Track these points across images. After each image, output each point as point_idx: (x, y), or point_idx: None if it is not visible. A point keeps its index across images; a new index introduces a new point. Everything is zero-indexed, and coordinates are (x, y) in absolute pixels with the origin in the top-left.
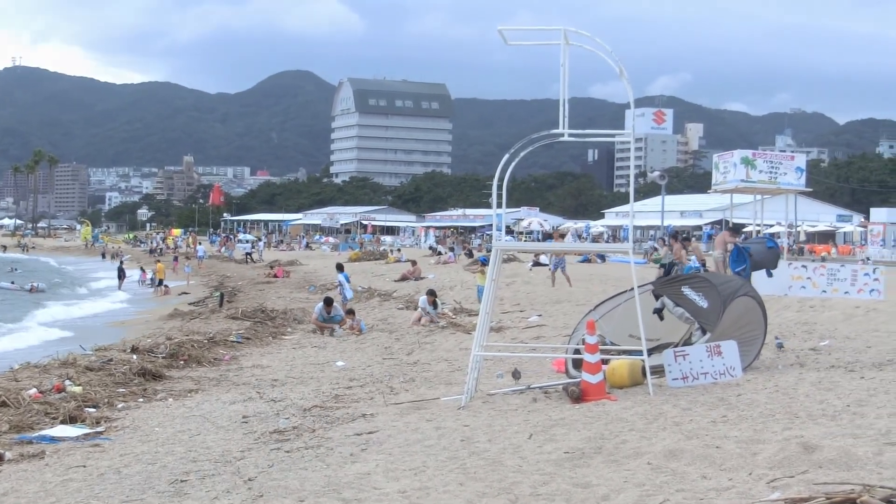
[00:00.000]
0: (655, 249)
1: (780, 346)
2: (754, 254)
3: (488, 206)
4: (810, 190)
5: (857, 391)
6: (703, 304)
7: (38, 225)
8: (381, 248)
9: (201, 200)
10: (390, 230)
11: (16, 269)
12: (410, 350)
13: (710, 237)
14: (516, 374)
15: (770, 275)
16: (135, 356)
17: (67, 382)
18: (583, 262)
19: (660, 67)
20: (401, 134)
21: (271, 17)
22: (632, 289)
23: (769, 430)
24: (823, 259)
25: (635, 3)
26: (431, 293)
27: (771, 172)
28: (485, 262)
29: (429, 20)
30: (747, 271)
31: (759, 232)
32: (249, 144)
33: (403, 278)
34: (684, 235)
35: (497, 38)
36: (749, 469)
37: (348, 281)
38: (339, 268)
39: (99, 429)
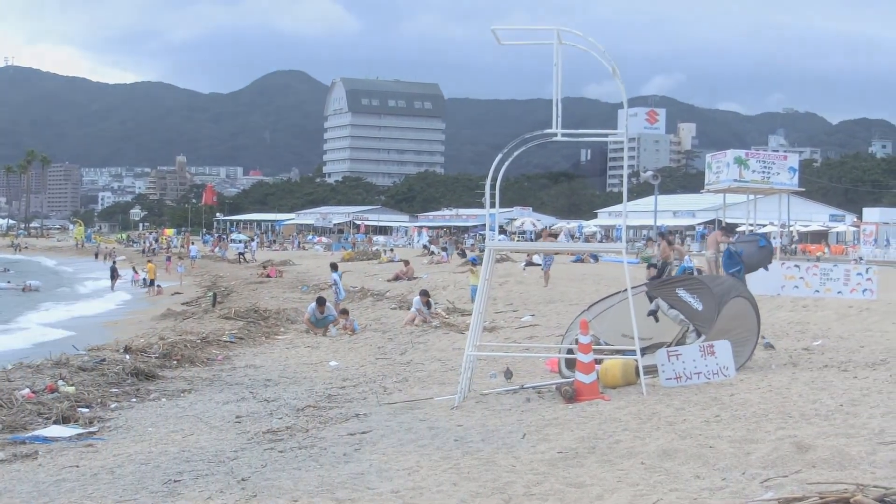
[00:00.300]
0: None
1: (767, 345)
2: (746, 257)
3: (481, 205)
4: (803, 190)
5: (850, 391)
6: (698, 306)
7: (31, 225)
8: (374, 248)
9: (194, 200)
10: (383, 230)
11: (8, 270)
12: (404, 350)
13: (703, 237)
14: (508, 374)
15: (766, 268)
16: (128, 356)
17: (60, 382)
18: (576, 261)
19: (653, 67)
20: (394, 134)
21: (264, 17)
22: (626, 289)
23: (762, 429)
24: (819, 259)
25: (630, 3)
26: (425, 293)
27: (764, 172)
28: (475, 262)
29: (423, 20)
30: (741, 273)
31: (751, 230)
32: (242, 144)
33: (396, 278)
34: (668, 239)
35: (490, 38)
36: (742, 469)
37: (340, 280)
38: (334, 267)
39: (92, 429)
